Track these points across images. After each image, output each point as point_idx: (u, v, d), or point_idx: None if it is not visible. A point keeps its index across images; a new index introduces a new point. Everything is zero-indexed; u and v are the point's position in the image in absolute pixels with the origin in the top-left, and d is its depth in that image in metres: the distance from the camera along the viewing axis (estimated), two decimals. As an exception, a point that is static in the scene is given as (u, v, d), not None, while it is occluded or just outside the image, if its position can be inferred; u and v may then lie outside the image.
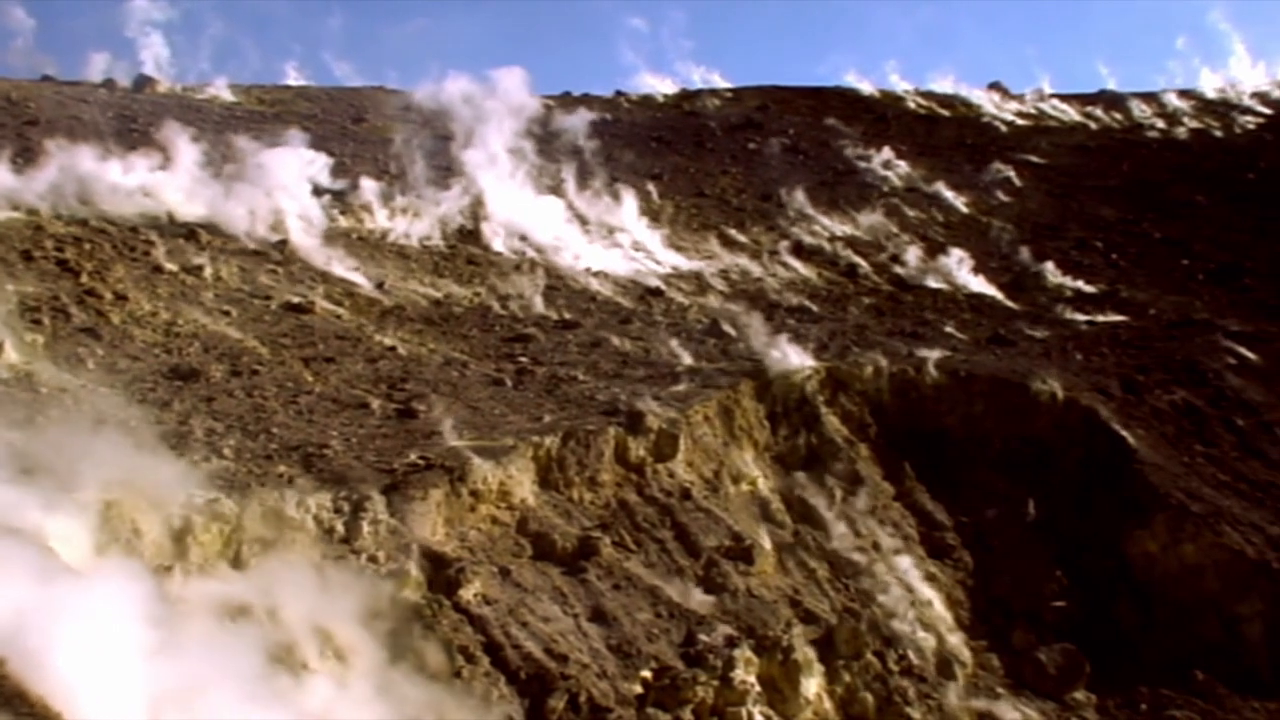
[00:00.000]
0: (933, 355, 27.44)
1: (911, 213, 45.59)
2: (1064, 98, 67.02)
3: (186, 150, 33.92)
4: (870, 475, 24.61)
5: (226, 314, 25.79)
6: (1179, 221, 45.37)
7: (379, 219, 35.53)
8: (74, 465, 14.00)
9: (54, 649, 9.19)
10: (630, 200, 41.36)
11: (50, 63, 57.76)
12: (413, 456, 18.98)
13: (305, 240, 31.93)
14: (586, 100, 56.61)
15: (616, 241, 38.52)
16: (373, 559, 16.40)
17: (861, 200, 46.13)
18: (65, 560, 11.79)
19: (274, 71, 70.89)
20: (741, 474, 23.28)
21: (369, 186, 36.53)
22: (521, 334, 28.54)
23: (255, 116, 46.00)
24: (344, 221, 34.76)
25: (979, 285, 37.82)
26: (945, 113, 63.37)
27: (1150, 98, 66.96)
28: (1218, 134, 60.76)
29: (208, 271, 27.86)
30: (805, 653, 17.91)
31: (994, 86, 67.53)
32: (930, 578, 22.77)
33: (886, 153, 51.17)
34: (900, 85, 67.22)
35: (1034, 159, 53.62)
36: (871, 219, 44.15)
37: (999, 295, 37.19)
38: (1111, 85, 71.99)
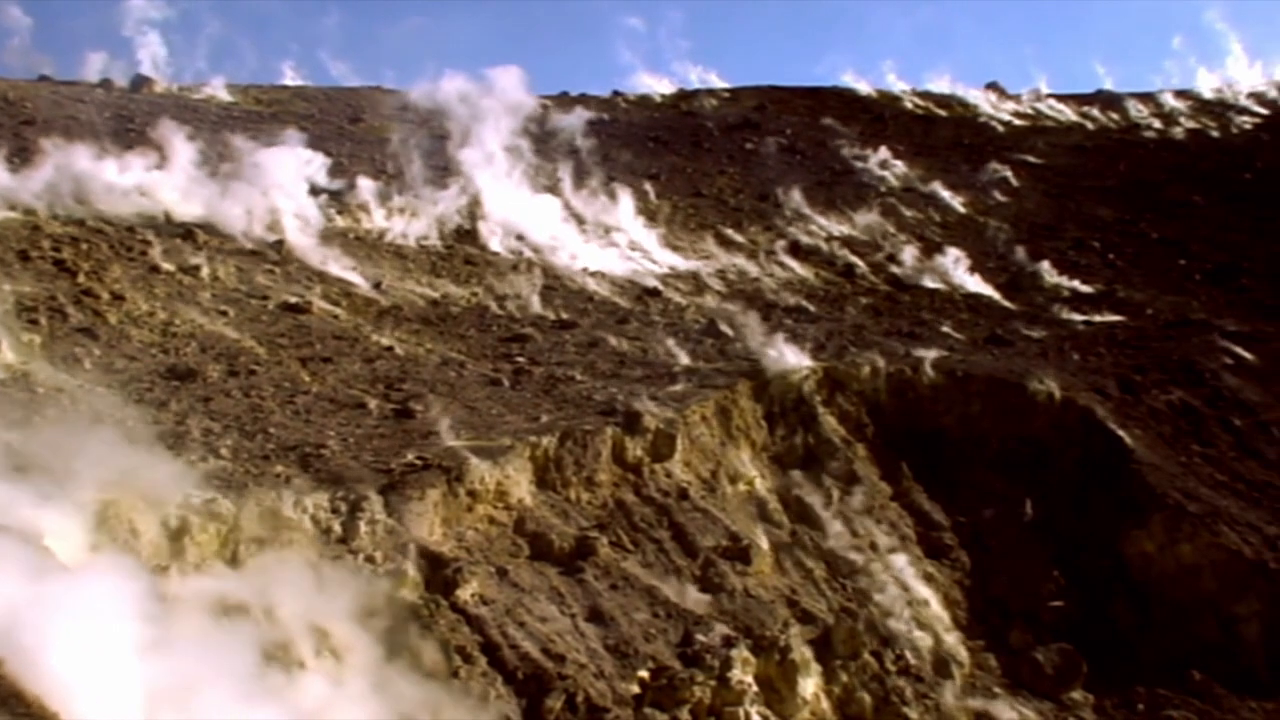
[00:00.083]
0: (930, 355, 27.44)
1: (908, 213, 45.56)
2: (1061, 98, 66.92)
3: (183, 150, 33.88)
4: (867, 475, 24.62)
5: (223, 314, 25.77)
6: (1176, 221, 45.35)
7: (376, 219, 35.51)
8: (71, 465, 13.97)
9: (50, 647, 9.18)
10: (627, 200, 41.32)
11: (47, 62, 57.99)
12: (410, 456, 18.97)
13: (302, 240, 31.90)
14: (584, 100, 56.53)
15: (613, 241, 38.51)
16: (370, 559, 16.40)
17: (858, 200, 46.09)
18: (61, 559, 11.77)
19: (271, 71, 70.90)
20: (739, 474, 23.28)
21: (366, 186, 36.49)
22: (519, 334, 28.54)
23: (252, 116, 45.95)
24: (341, 221, 34.74)
25: (976, 285, 37.80)
26: (942, 113, 63.31)
27: (1147, 98, 66.87)
28: (1214, 134, 60.68)
29: (205, 271, 27.83)
30: (802, 652, 17.90)
31: (991, 86, 67.43)
32: (927, 577, 22.76)
33: (883, 152, 51.11)
34: (897, 85, 67.29)
35: (1031, 159, 53.55)
36: (868, 219, 44.10)
37: (996, 295, 37.17)
38: (1108, 85, 71.94)
